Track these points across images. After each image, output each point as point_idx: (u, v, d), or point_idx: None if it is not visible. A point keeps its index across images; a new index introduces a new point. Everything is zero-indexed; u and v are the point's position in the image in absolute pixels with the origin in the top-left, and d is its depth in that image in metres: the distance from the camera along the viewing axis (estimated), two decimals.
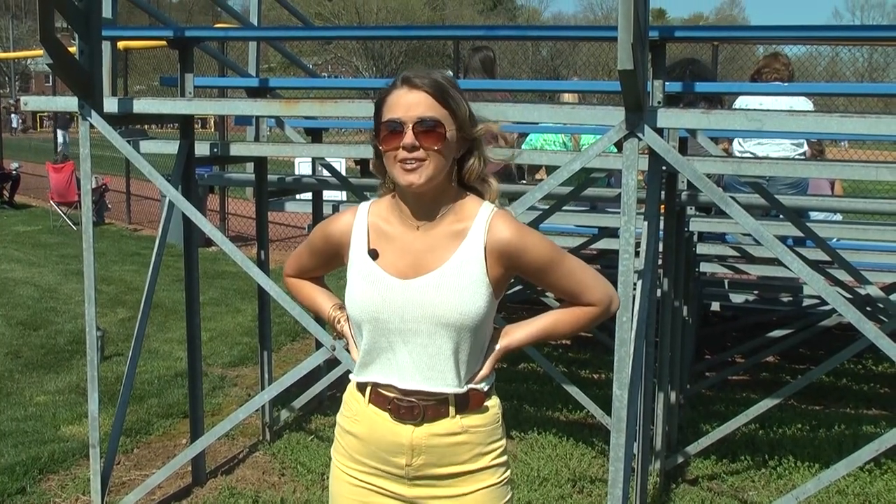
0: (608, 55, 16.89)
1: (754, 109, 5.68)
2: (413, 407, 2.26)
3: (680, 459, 5.04)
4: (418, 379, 2.25)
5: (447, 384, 2.25)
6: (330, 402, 6.27)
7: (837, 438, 5.64)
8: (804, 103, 6.30)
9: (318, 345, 4.36)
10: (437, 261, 2.24)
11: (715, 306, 8.02)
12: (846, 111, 3.61)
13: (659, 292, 4.94)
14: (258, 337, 5.81)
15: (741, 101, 6.39)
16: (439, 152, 2.19)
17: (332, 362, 4.30)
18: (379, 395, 2.30)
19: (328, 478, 4.98)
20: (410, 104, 2.19)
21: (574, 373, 7.03)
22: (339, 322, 2.50)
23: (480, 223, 2.25)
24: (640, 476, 4.47)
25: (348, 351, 2.47)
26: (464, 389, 2.27)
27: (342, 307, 2.46)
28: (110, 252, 12.59)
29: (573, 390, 4.67)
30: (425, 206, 2.26)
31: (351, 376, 2.40)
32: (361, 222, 2.34)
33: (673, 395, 5.24)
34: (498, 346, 2.36)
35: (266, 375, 5.70)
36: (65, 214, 15.29)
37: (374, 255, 2.29)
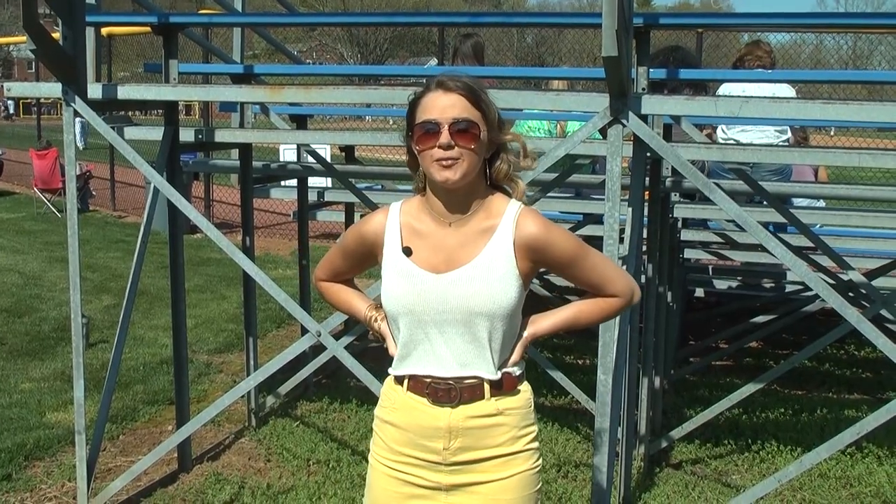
0: (593, 42, 16.89)
1: (738, 96, 5.70)
2: (450, 389, 2.35)
3: (664, 444, 5.07)
4: (455, 366, 2.35)
5: (482, 370, 2.34)
6: (315, 388, 6.29)
7: (819, 422, 5.70)
8: (787, 90, 6.33)
9: (304, 331, 4.36)
10: (469, 256, 2.33)
11: (699, 292, 8.06)
12: (830, 98, 3.63)
13: (643, 278, 4.96)
14: (243, 323, 5.81)
15: (724, 89, 6.42)
16: (473, 151, 2.28)
17: (318, 349, 4.32)
18: (417, 383, 2.39)
19: (314, 463, 5.03)
20: (445, 106, 2.29)
21: (558, 358, 7.06)
22: (376, 321, 2.56)
23: (509, 220, 2.34)
24: (625, 460, 4.50)
25: (382, 343, 2.52)
26: (498, 375, 2.36)
27: (378, 307, 2.53)
28: (95, 239, 12.55)
29: (558, 375, 4.70)
30: (458, 202, 2.35)
31: (390, 370, 2.47)
32: (394, 222, 2.42)
33: (657, 381, 5.26)
34: (526, 334, 2.44)
35: (251, 362, 5.70)
36: (49, 201, 15.22)
37: (408, 252, 2.37)
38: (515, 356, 2.41)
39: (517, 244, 2.32)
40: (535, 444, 2.44)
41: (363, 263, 2.57)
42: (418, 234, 2.38)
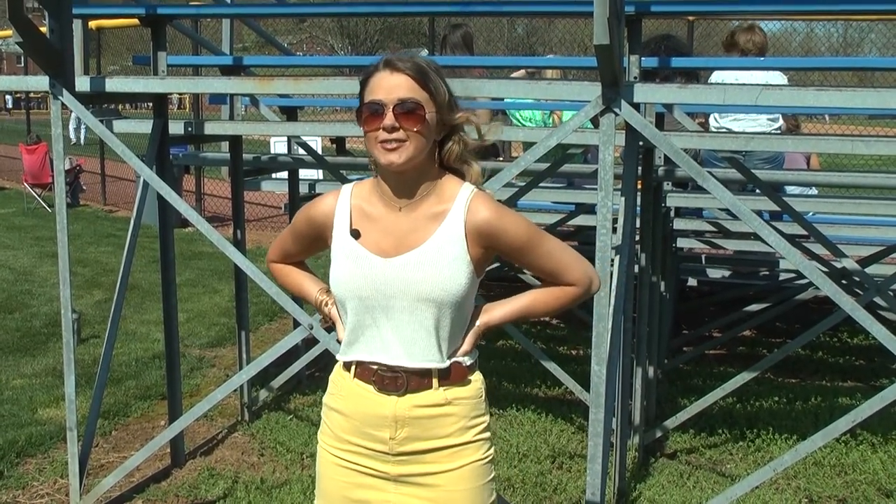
0: (584, 32, 16.87)
1: (731, 84, 5.68)
2: (397, 377, 2.30)
3: (658, 434, 5.07)
4: (402, 354, 2.29)
5: (430, 359, 2.29)
6: (308, 381, 6.27)
7: (814, 410, 5.70)
8: (779, 78, 6.31)
9: (296, 324, 4.34)
10: (419, 240, 2.28)
11: (692, 282, 8.05)
12: (822, 85, 3.62)
13: (636, 268, 4.95)
14: (235, 317, 5.79)
15: (716, 77, 6.40)
16: (419, 133, 2.22)
17: (310, 342, 4.29)
18: (364, 370, 2.34)
19: (307, 457, 5.00)
20: (392, 86, 2.23)
21: (552, 349, 7.05)
22: (326, 305, 2.52)
23: (460, 204, 2.28)
24: (619, 451, 4.49)
25: (329, 331, 2.48)
26: (446, 364, 2.31)
27: (328, 291, 2.47)
28: (86, 234, 12.51)
29: (552, 366, 4.68)
30: (406, 185, 2.29)
31: (337, 356, 2.43)
32: (344, 204, 2.37)
33: (651, 370, 5.26)
34: (478, 323, 2.39)
35: (244, 356, 5.68)
36: (39, 196, 15.15)
37: (356, 234, 2.32)
38: (466, 346, 2.36)
39: (468, 229, 2.26)
40: (486, 435, 2.39)
41: (313, 246, 2.52)
42: (368, 218, 2.33)
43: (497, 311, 2.41)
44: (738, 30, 6.78)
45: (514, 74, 6.88)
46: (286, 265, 2.63)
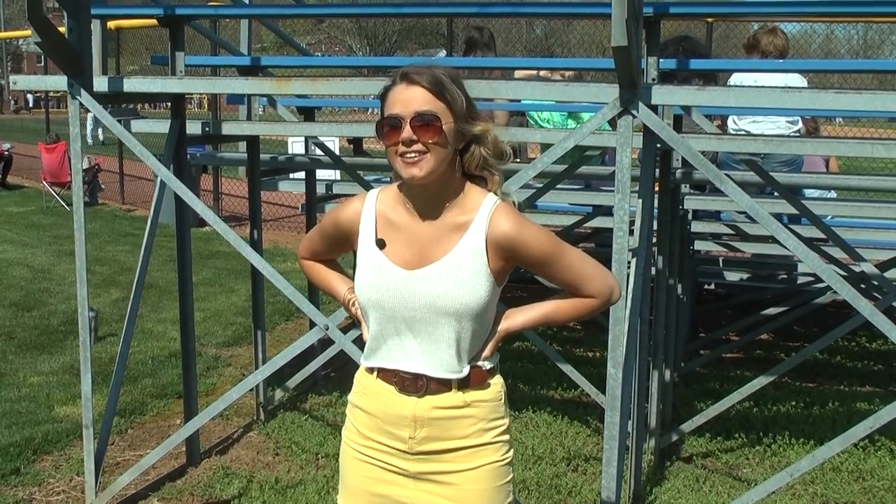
0: (602, 33, 16.85)
1: (749, 86, 5.65)
2: (417, 379, 2.33)
3: (674, 437, 5.04)
4: (423, 364, 2.33)
5: (450, 370, 2.33)
6: (324, 381, 6.28)
7: (831, 415, 5.66)
8: (798, 80, 6.28)
9: (312, 324, 4.35)
10: (440, 252, 2.30)
11: (710, 285, 8.01)
12: (842, 87, 3.59)
13: (653, 270, 4.92)
14: (252, 317, 5.79)
15: (735, 79, 6.37)
16: (437, 144, 2.23)
17: (326, 342, 4.30)
18: (386, 373, 2.38)
19: (323, 457, 5.01)
20: (408, 99, 2.24)
21: (568, 351, 7.03)
22: (353, 304, 2.54)
23: (482, 216, 2.30)
24: (635, 454, 4.48)
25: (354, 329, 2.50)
26: (465, 371, 2.34)
27: None
28: (104, 232, 12.55)
29: (567, 369, 4.67)
30: (430, 199, 2.31)
31: (360, 361, 2.47)
32: (370, 210, 2.40)
33: (667, 373, 5.24)
34: (499, 329, 2.42)
35: (260, 355, 5.69)
36: (58, 195, 15.23)
37: (381, 244, 2.35)
38: (487, 351, 2.38)
39: (489, 242, 2.28)
40: (505, 437, 2.43)
41: (341, 247, 2.55)
42: (393, 226, 2.36)
43: (518, 318, 2.44)
44: (761, 32, 6.74)
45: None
46: (316, 262, 2.68)
